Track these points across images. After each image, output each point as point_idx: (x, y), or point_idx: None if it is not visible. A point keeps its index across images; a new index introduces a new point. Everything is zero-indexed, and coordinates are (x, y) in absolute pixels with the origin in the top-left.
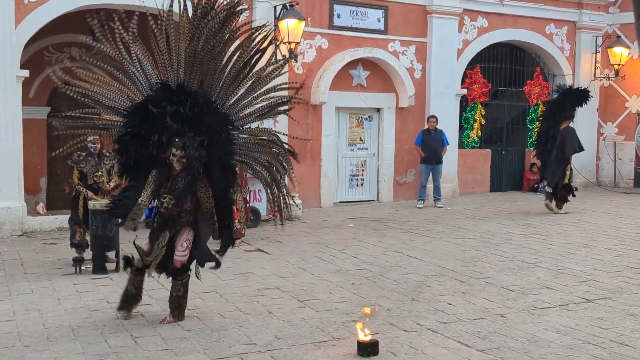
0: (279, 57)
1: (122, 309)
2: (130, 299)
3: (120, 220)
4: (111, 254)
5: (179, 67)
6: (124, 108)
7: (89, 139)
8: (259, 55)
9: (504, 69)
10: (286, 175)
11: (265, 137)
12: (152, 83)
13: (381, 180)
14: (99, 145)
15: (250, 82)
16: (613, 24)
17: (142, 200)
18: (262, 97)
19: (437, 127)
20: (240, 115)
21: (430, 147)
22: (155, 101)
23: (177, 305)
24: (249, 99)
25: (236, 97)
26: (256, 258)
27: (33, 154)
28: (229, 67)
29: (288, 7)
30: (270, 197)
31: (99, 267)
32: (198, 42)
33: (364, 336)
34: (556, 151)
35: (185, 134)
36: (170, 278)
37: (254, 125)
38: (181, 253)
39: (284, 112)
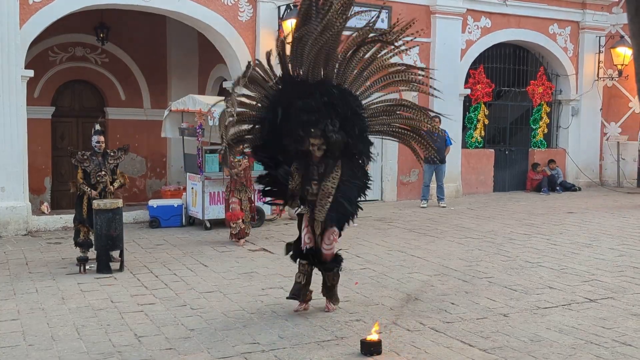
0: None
1: (294, 298)
2: (300, 293)
3: (282, 202)
4: (115, 253)
5: (302, 60)
6: (259, 115)
7: (99, 139)
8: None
9: (507, 69)
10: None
11: (391, 103)
12: (276, 82)
13: (385, 180)
14: (103, 145)
15: (367, 60)
16: (616, 24)
17: (292, 186)
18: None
19: (441, 127)
20: (363, 89)
21: None
22: (284, 97)
23: (333, 293)
24: (367, 71)
25: (355, 73)
26: (260, 257)
27: (38, 154)
28: (346, 51)
29: (292, 7)
30: (419, 148)
31: (103, 267)
32: (319, 33)
33: (375, 333)
34: None
35: (319, 122)
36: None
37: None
38: (328, 247)
39: (406, 84)
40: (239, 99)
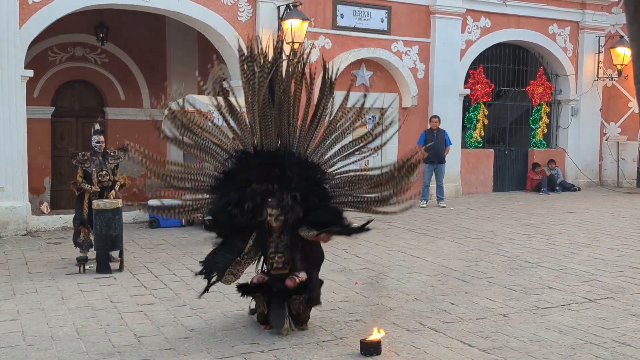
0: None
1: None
2: (266, 319)
3: (216, 276)
4: (115, 254)
5: (253, 129)
6: (208, 185)
7: (99, 139)
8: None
9: (507, 69)
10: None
11: (353, 174)
12: (230, 152)
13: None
14: (103, 145)
15: (324, 126)
16: (616, 24)
17: (242, 257)
18: (341, 139)
19: (440, 127)
20: (325, 159)
21: (433, 147)
22: (238, 169)
23: (303, 320)
24: (329, 141)
25: (315, 142)
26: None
27: (37, 154)
28: (298, 114)
29: (292, 7)
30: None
31: (103, 267)
32: (262, 97)
33: (377, 333)
34: None
35: (275, 192)
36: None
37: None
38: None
39: (368, 150)
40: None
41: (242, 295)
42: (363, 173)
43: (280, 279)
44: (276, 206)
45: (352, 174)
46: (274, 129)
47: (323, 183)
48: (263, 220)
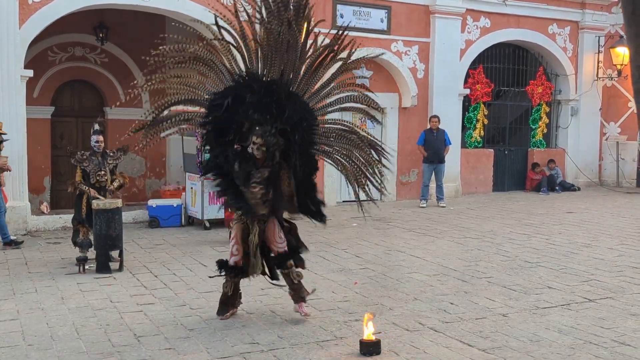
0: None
1: (221, 313)
2: (228, 301)
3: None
4: (115, 253)
5: (258, 58)
6: (205, 99)
7: (97, 139)
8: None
9: (506, 69)
10: (376, 165)
11: (346, 128)
12: (233, 74)
13: (384, 179)
14: (102, 144)
15: (328, 73)
16: (616, 24)
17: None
18: (341, 89)
19: (440, 126)
20: (320, 105)
21: (432, 146)
22: (237, 91)
23: (301, 293)
24: (328, 89)
25: (316, 87)
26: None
27: (37, 154)
28: (307, 57)
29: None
30: (352, 187)
31: (103, 267)
32: (277, 34)
33: (372, 332)
34: None
35: (266, 122)
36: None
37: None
38: (281, 244)
39: (363, 108)
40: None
41: (219, 270)
42: (350, 128)
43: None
44: (261, 136)
45: (339, 126)
46: (279, 61)
47: (312, 127)
48: (246, 146)
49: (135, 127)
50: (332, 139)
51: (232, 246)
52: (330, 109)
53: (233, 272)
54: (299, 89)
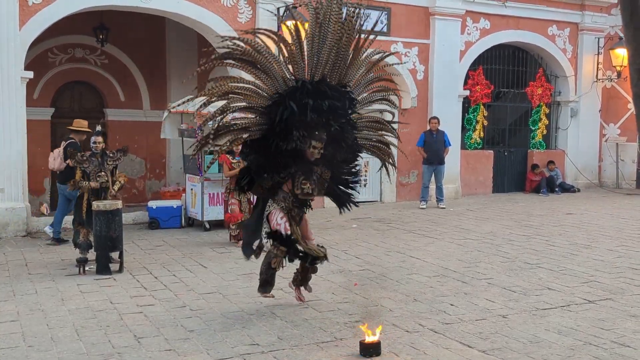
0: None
1: (263, 291)
2: (271, 280)
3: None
4: (115, 255)
5: (311, 64)
6: (263, 106)
7: (95, 139)
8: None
9: (506, 71)
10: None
11: (374, 120)
12: (287, 80)
13: (384, 181)
14: (100, 145)
15: (362, 70)
16: (615, 26)
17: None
18: (371, 85)
19: (440, 128)
20: (359, 99)
21: (432, 148)
22: (294, 96)
23: (306, 281)
24: (362, 85)
25: (353, 83)
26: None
27: (37, 155)
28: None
29: (291, 8)
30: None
31: (103, 268)
32: (338, 41)
33: (371, 335)
34: None
35: (322, 126)
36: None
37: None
38: (313, 238)
39: (389, 102)
40: (241, 85)
41: (271, 239)
42: (375, 118)
43: (303, 203)
44: (322, 140)
45: (371, 120)
46: (326, 61)
47: (354, 123)
48: (301, 149)
49: (199, 144)
50: (364, 130)
51: (284, 222)
52: (363, 104)
53: (288, 242)
54: (342, 85)
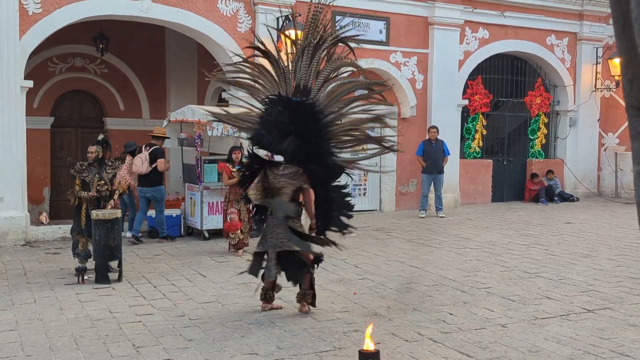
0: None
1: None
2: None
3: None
4: (114, 264)
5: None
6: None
7: (88, 149)
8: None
9: (505, 80)
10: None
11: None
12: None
13: (383, 190)
14: (92, 155)
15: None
16: (613, 35)
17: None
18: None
19: (438, 137)
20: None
21: (431, 157)
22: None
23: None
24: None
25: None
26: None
27: (37, 164)
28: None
29: (290, 18)
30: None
31: (102, 277)
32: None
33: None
34: None
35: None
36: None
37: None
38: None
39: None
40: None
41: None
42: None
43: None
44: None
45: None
46: (305, 78)
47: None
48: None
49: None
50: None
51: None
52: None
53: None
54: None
